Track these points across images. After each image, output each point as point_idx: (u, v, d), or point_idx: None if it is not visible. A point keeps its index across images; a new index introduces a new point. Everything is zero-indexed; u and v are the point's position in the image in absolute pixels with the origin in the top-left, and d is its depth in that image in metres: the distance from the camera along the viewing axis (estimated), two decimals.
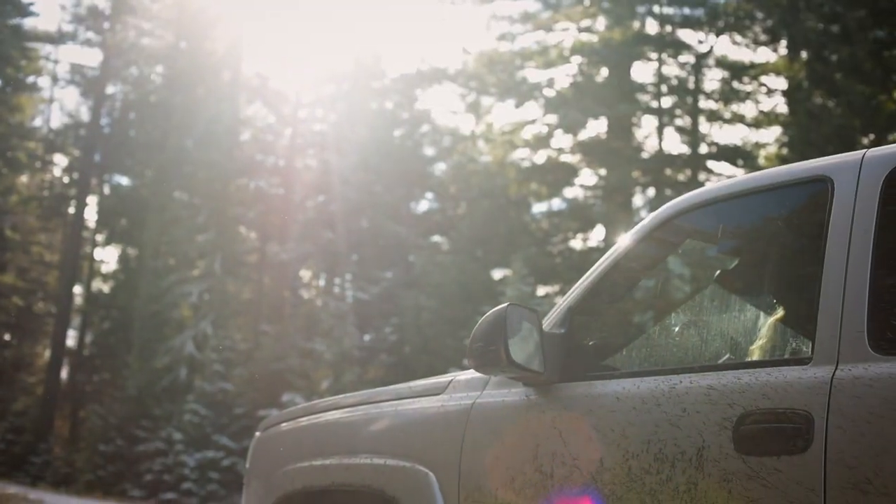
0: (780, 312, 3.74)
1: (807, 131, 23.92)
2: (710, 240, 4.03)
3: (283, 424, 5.27)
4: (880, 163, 3.29)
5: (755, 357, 3.66)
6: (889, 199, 3.21)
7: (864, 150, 3.49)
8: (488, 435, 3.94)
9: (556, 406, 3.78)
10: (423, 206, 39.79)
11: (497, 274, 32.97)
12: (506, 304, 3.74)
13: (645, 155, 32.77)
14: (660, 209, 3.98)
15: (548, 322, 4.00)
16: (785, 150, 28.07)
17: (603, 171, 33.56)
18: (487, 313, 3.79)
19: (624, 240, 3.99)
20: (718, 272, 4.08)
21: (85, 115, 46.40)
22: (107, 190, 47.03)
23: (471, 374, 4.17)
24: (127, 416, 33.99)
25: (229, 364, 32.35)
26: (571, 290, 4.01)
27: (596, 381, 3.74)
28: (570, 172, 34.47)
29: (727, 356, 3.71)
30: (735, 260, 4.02)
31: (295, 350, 31.13)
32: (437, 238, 37.48)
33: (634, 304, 3.98)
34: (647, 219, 3.99)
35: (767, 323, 3.77)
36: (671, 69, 33.19)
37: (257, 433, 5.49)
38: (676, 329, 3.95)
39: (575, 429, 3.69)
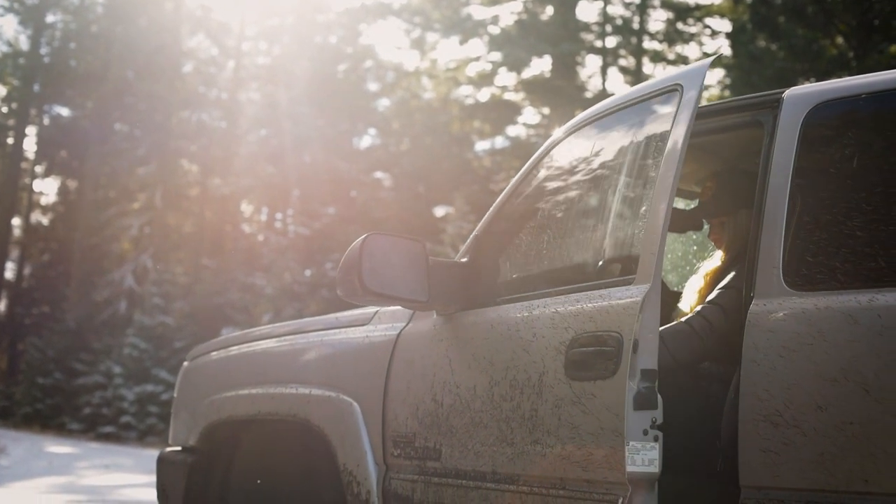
0: (617, 233, 3.62)
1: (749, 74, 23.96)
2: (591, 159, 3.85)
3: (213, 354, 5.26)
4: (801, 101, 3.25)
5: (596, 279, 3.45)
6: (807, 137, 3.18)
7: (710, 56, 3.42)
8: (405, 365, 3.95)
9: (449, 335, 3.80)
10: (366, 141, 39.62)
11: (439, 211, 33.00)
12: (365, 235, 3.69)
13: (588, 94, 32.79)
14: (548, 140, 3.98)
15: (460, 252, 4.01)
16: (727, 93, 28.17)
17: (546, 110, 33.65)
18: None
19: (519, 172, 4.00)
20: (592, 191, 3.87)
21: (24, 44, 45.49)
22: (46, 121, 46.29)
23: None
24: (66, 350, 33.81)
25: (169, 298, 32.20)
26: (482, 220, 4.01)
27: (483, 309, 3.73)
28: (513, 110, 34.53)
29: (575, 279, 3.57)
30: (606, 178, 3.81)
31: (235, 284, 31.04)
32: (379, 174, 37.37)
33: (533, 228, 3.92)
34: (541, 148, 3.99)
35: (607, 243, 3.64)
36: (616, 9, 33.23)
37: (186, 362, 5.48)
38: (546, 252, 3.89)
39: (460, 357, 3.70)
